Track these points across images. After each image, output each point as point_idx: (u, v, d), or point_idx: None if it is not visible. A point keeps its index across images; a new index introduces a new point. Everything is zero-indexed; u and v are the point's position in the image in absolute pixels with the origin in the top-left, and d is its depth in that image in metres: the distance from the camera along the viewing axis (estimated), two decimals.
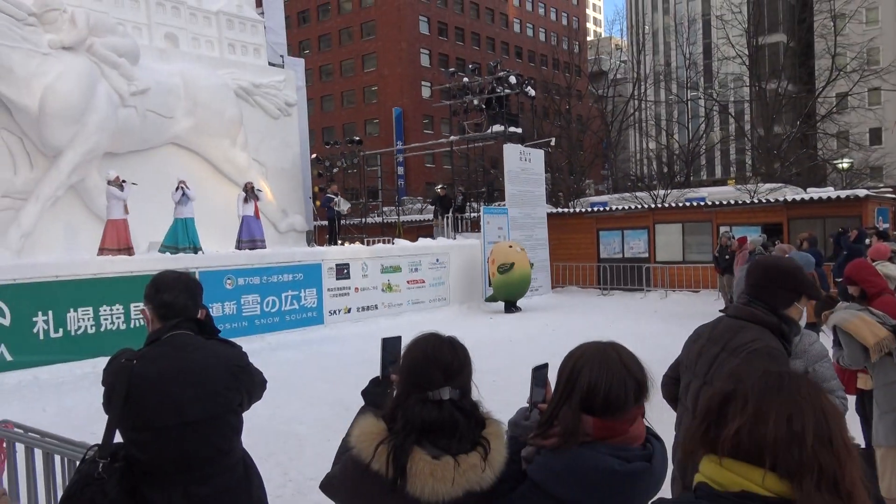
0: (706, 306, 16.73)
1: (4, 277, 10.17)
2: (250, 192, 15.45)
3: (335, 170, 27.40)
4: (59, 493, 3.37)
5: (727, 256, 15.79)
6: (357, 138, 28.45)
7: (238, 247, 14.99)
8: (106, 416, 2.38)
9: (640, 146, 46.59)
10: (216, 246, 15.23)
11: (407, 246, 17.40)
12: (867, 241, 13.62)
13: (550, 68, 51.55)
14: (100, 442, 2.34)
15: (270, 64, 20.46)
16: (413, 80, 54.49)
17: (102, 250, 12.99)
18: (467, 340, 1.99)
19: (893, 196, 21.53)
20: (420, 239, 18.71)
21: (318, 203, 22.34)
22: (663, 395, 3.05)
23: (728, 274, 15.67)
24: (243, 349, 2.66)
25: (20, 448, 3.61)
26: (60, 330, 10.62)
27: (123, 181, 13.42)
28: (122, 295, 11.32)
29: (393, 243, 18.37)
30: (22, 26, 14.19)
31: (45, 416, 7.59)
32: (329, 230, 19.41)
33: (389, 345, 2.12)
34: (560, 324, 14.48)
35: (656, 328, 13.57)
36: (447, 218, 21.05)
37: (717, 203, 20.90)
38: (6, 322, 10.06)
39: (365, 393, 2.11)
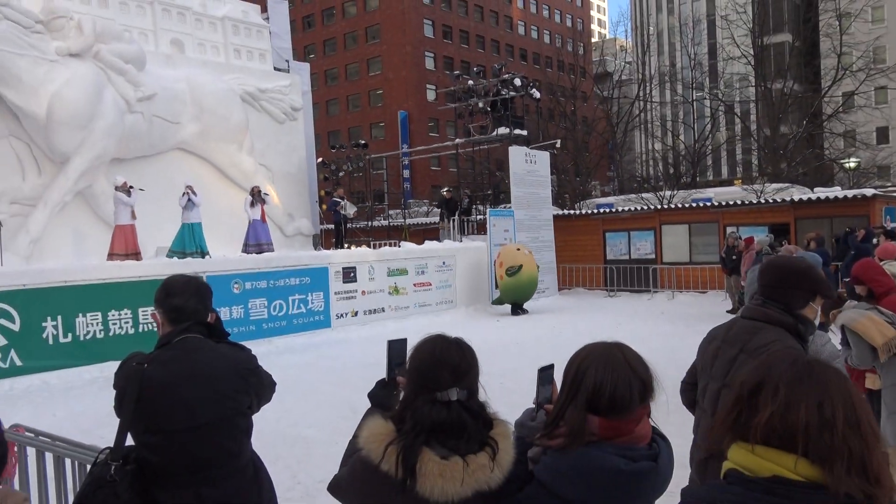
0: (713, 307, 16.70)
1: (14, 283, 10.24)
2: (257, 197, 15.51)
3: (341, 173, 27.46)
4: (70, 497, 3.40)
5: (734, 257, 15.75)
6: (363, 142, 28.50)
7: (245, 251, 15.03)
8: (117, 420, 2.41)
9: (645, 147, 46.55)
10: (223, 250, 15.29)
11: (413, 249, 17.43)
12: (875, 240, 13.57)
13: (555, 70, 51.55)
14: (111, 445, 2.37)
15: (276, 69, 20.55)
16: (418, 83, 54.56)
17: (111, 255, 13.07)
18: (474, 342, 2.00)
19: None
20: (426, 242, 18.72)
21: (324, 207, 22.38)
22: (682, 401, 3.03)
23: (735, 275, 15.63)
24: (252, 352, 2.68)
25: (31, 452, 3.64)
26: (69, 335, 10.68)
27: (131, 187, 13.49)
28: (130, 300, 11.38)
29: (399, 246, 18.40)
30: (29, 34, 14.30)
31: (55, 421, 7.63)
32: (335, 234, 19.45)
33: (395, 347, 2.13)
34: (567, 326, 14.46)
35: (663, 329, 13.55)
36: (453, 221, 21.07)
37: (724, 203, 20.84)
38: (16, 327, 10.12)
39: (371, 395, 2.13)
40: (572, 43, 54.52)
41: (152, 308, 2.63)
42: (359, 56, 57.21)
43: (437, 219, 23.78)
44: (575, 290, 21.68)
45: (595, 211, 23.81)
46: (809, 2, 46.25)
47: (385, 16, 55.26)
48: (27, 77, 14.02)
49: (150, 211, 14.44)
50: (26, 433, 3.68)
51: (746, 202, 20.48)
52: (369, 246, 20.33)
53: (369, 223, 27.74)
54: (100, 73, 15.18)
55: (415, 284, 16.57)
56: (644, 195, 29.29)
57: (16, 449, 3.63)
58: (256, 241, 15.29)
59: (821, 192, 20.35)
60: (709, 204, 21.46)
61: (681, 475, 5.56)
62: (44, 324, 10.43)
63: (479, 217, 22.17)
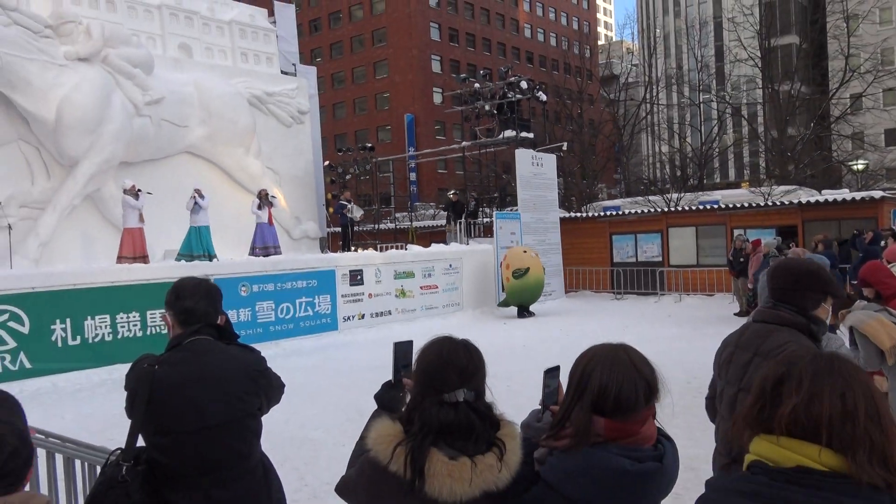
0: (721, 310, 16.67)
1: (23, 286, 10.31)
2: (264, 200, 15.56)
3: (348, 176, 27.50)
4: (80, 498, 3.43)
5: (741, 259, 15.72)
6: (369, 145, 28.55)
7: (252, 253, 15.09)
8: (125, 422, 2.43)
9: (652, 150, 46.47)
10: (231, 253, 15.35)
11: (420, 252, 17.45)
12: (883, 242, 13.51)
13: (562, 73, 51.59)
14: (121, 446, 2.39)
15: (283, 72, 20.62)
16: (424, 86, 54.63)
17: (120, 259, 13.14)
18: (481, 345, 2.01)
19: None
20: (433, 244, 18.75)
21: (331, 210, 22.43)
22: (709, 417, 3.03)
23: (743, 277, 15.60)
24: (261, 354, 2.71)
25: (41, 453, 3.66)
26: (78, 337, 10.74)
27: (139, 190, 13.55)
28: (138, 302, 11.44)
29: (406, 249, 18.43)
30: (38, 39, 14.40)
31: (64, 423, 7.68)
32: (342, 237, 19.50)
33: (401, 349, 2.15)
34: (574, 328, 14.45)
35: (670, 332, 13.53)
36: (460, 223, 21.09)
37: (731, 206, 20.79)
38: (25, 330, 10.19)
39: (378, 396, 2.14)
40: (578, 46, 54.52)
41: (162, 310, 2.66)
42: (365, 59, 57.34)
43: (443, 222, 23.79)
44: (582, 292, 21.66)
45: (602, 213, 23.79)
46: (816, 3, 46.15)
47: (391, 19, 55.39)
48: (36, 81, 14.11)
49: (158, 214, 14.51)
50: (37, 435, 3.71)
51: (754, 204, 20.42)
52: (376, 249, 20.36)
53: (376, 226, 27.76)
54: (108, 78, 15.27)
55: (421, 287, 16.59)
56: (651, 198, 29.25)
57: None
58: (263, 244, 15.34)
59: (829, 195, 20.27)
60: (716, 206, 21.40)
61: (687, 477, 5.55)
62: (53, 326, 10.50)
63: (485, 220, 22.17)
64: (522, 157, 19.78)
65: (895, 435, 1.32)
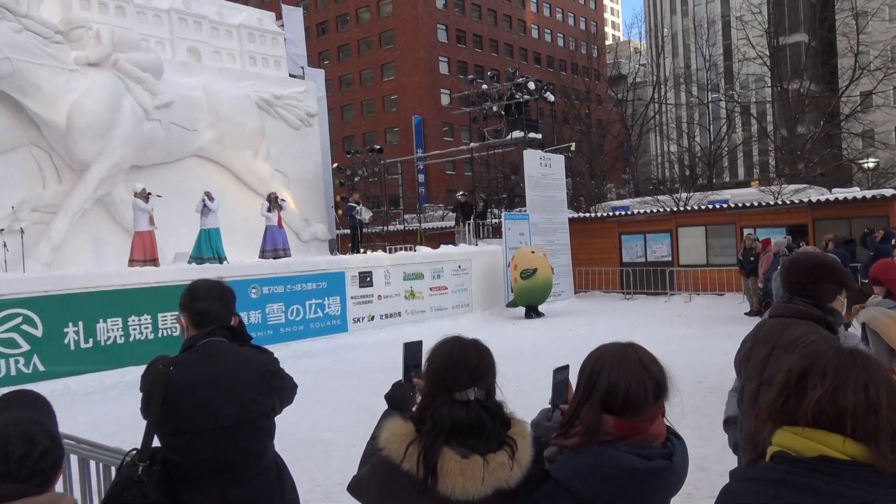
0: (731, 310, 16.60)
1: (36, 289, 10.39)
2: (273, 202, 15.62)
3: (356, 178, 27.58)
4: (95, 498, 3.46)
5: (752, 259, 15.67)
6: (377, 147, 28.63)
7: (262, 256, 15.15)
8: (137, 423, 2.46)
9: (661, 149, 46.35)
10: (241, 256, 15.43)
11: (429, 253, 17.47)
12: (894, 241, 13.45)
13: (569, 73, 51.55)
14: (136, 447, 2.42)
15: (291, 75, 20.71)
16: (432, 87, 54.69)
17: (131, 262, 13.24)
18: (491, 346, 2.02)
19: None
20: (442, 246, 18.77)
21: (340, 212, 22.51)
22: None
23: (753, 276, 15.55)
24: (274, 355, 2.73)
25: None
26: (90, 340, 10.82)
27: (149, 193, 13.65)
28: (149, 305, 11.50)
29: (415, 251, 18.45)
30: (49, 44, 14.53)
31: (77, 425, 7.73)
32: (351, 238, 19.55)
33: (411, 349, 2.17)
34: (583, 328, 14.44)
35: (680, 332, 13.49)
36: (468, 224, 21.11)
37: (741, 205, 20.72)
38: (38, 333, 10.27)
39: (388, 396, 2.16)
40: (586, 46, 54.47)
41: (173, 313, 2.70)
42: (373, 61, 57.46)
43: (452, 223, 23.82)
44: (591, 292, 21.62)
45: (610, 213, 23.74)
46: (825, 1, 45.94)
47: (399, 21, 55.48)
48: (47, 86, 14.23)
49: (168, 217, 14.60)
50: None
51: (763, 204, 20.34)
52: (385, 250, 20.41)
53: (385, 228, 27.82)
54: (118, 82, 15.38)
55: (431, 288, 16.61)
56: (660, 197, 29.17)
57: None
58: (273, 247, 15.40)
59: (839, 193, 20.18)
60: (725, 206, 21.34)
61: (697, 476, 5.55)
62: (65, 329, 10.57)
63: (494, 221, 22.19)
64: (531, 157, 19.78)
65: None
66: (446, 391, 1.85)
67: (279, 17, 21.83)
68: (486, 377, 1.91)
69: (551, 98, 23.20)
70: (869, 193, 18.77)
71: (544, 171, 20.01)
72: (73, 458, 3.61)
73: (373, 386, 7.65)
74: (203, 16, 18.68)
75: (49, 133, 14.59)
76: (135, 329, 11.33)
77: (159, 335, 11.55)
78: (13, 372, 9.94)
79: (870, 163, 35.42)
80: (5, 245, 12.94)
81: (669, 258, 20.94)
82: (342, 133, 54.95)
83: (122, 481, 2.31)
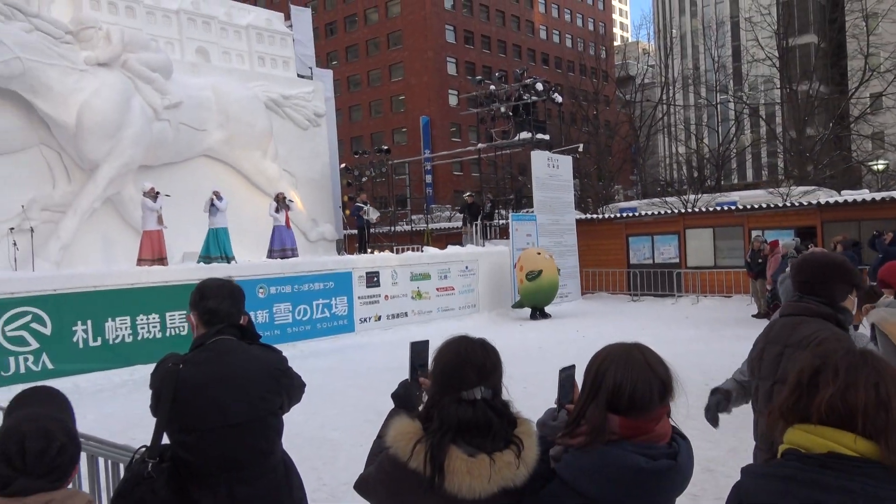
0: (739, 312, 16.56)
1: (46, 288, 10.46)
2: (281, 203, 15.67)
3: (364, 179, 27.60)
4: (103, 494, 3.49)
5: (760, 261, 15.62)
6: (385, 147, 28.63)
7: (270, 256, 15.20)
8: (146, 421, 2.48)
9: (669, 151, 46.25)
10: (249, 255, 15.48)
11: (436, 253, 17.49)
12: None
13: (577, 74, 51.43)
14: (145, 444, 2.44)
15: (299, 76, 20.75)
16: (440, 88, 54.71)
17: (140, 261, 13.30)
18: (497, 347, 2.03)
19: None
20: (449, 246, 18.79)
21: (347, 212, 22.53)
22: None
23: (761, 278, 15.50)
24: (283, 353, 2.75)
25: None
26: (99, 339, 10.88)
27: (157, 192, 13.70)
28: (158, 304, 11.56)
29: (422, 251, 18.47)
30: (59, 44, 14.61)
31: (86, 423, 7.76)
32: (359, 239, 19.58)
33: (417, 348, 2.18)
34: (590, 330, 14.41)
35: (687, 334, 13.46)
36: (476, 225, 21.11)
37: (749, 207, 20.65)
38: (47, 331, 10.34)
39: (395, 395, 2.16)
40: (594, 47, 54.37)
41: (180, 312, 2.72)
42: (381, 62, 57.53)
43: (459, 223, 23.83)
44: (598, 294, 21.60)
45: (618, 215, 23.70)
46: (835, 2, 45.76)
47: (407, 22, 55.53)
48: (57, 86, 14.32)
49: (177, 217, 14.65)
50: None
51: (772, 205, 20.27)
52: (392, 251, 20.43)
53: (392, 228, 27.84)
54: (128, 82, 15.45)
55: (438, 289, 16.62)
56: (668, 199, 29.11)
57: None
58: (281, 247, 15.45)
59: (848, 195, 20.09)
60: (733, 207, 21.27)
61: (704, 478, 5.54)
62: (74, 328, 10.64)
63: (501, 221, 22.18)
64: (538, 158, 19.78)
65: None
66: (453, 390, 1.87)
67: (288, 17, 21.89)
68: (492, 376, 1.92)
69: (559, 99, 23.17)
70: (878, 195, 18.67)
71: (552, 172, 20.01)
72: (83, 455, 3.64)
73: (379, 386, 7.67)
74: (212, 16, 18.75)
75: (59, 133, 14.67)
76: (143, 328, 11.39)
77: (167, 334, 11.61)
78: (22, 370, 10.02)
79: (879, 165, 35.24)
80: (15, 244, 13.02)
81: (677, 260, 20.90)
82: (350, 133, 55.04)
83: (132, 478, 2.33)
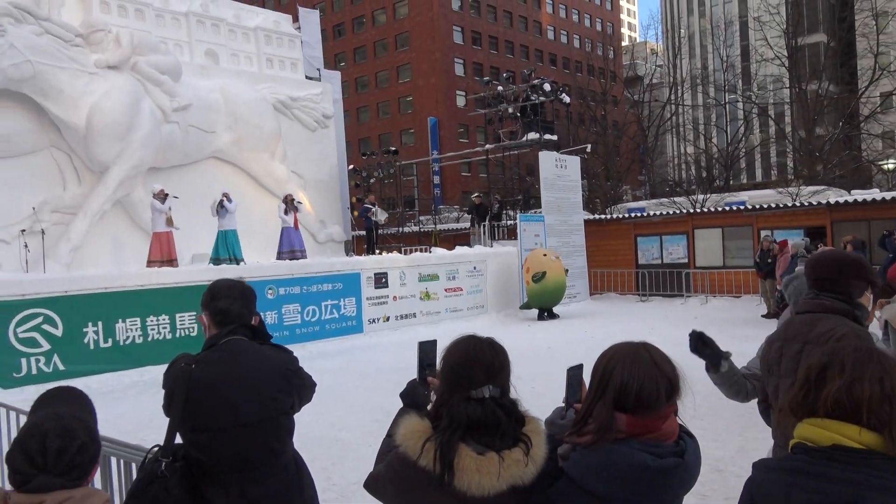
0: (748, 312, 16.51)
1: (57, 289, 10.53)
2: (290, 204, 15.72)
3: (372, 180, 27.67)
4: (116, 493, 3.52)
5: (769, 261, 15.57)
6: (393, 149, 28.71)
7: (279, 257, 15.25)
8: (157, 422, 2.50)
9: (677, 151, 46.12)
10: (258, 257, 15.53)
11: (444, 254, 17.50)
12: None
13: (585, 74, 51.39)
14: (158, 443, 2.47)
15: (307, 77, 20.83)
16: (448, 89, 54.74)
17: (150, 263, 13.37)
18: (506, 347, 2.04)
19: None
20: (457, 247, 18.79)
21: (355, 213, 22.59)
22: (765, 421, 3.04)
23: (770, 279, 15.45)
24: (294, 354, 2.78)
25: None
26: (109, 340, 10.94)
27: (166, 194, 13.77)
28: (167, 305, 11.62)
29: (430, 252, 18.49)
30: (69, 47, 14.72)
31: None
32: (367, 240, 19.62)
33: (425, 348, 2.20)
34: (598, 330, 14.40)
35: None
36: (484, 226, 21.11)
37: (758, 207, 20.58)
38: (59, 333, 10.41)
39: (403, 394, 2.18)
40: (602, 47, 54.29)
41: (190, 313, 2.75)
42: (389, 63, 57.61)
43: (467, 224, 23.84)
44: (607, 294, 21.56)
45: (626, 215, 23.66)
46: (844, 1, 45.51)
47: (414, 23, 55.58)
48: (67, 89, 14.42)
49: (186, 219, 14.72)
50: None
51: (781, 205, 20.20)
52: (400, 252, 20.45)
53: (400, 229, 27.88)
54: (137, 85, 15.55)
55: (446, 290, 16.63)
56: (676, 199, 29.04)
57: None
58: (290, 248, 15.50)
59: (858, 195, 19.99)
60: (742, 207, 21.20)
61: (713, 478, 5.53)
62: (85, 329, 10.71)
63: (509, 222, 22.18)
64: (546, 159, 19.77)
65: None
66: (462, 389, 1.89)
67: (296, 19, 21.96)
68: (501, 375, 1.93)
69: (567, 99, 23.15)
70: (888, 195, 18.57)
71: (560, 173, 19.99)
72: None
73: (388, 387, 7.69)
74: (221, 19, 18.84)
75: (69, 135, 14.77)
76: (153, 329, 11.45)
77: (177, 335, 11.66)
78: (34, 371, 10.09)
79: (889, 164, 35.06)
80: (26, 246, 13.12)
81: (686, 260, 20.84)
82: (358, 135, 55.13)
83: (145, 476, 2.36)
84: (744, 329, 13.50)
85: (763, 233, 18.59)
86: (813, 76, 37.74)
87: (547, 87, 21.94)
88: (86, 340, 10.70)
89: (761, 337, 3.00)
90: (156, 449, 2.43)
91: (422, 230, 28.32)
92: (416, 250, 20.97)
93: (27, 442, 1.79)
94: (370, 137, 56.15)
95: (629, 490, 1.75)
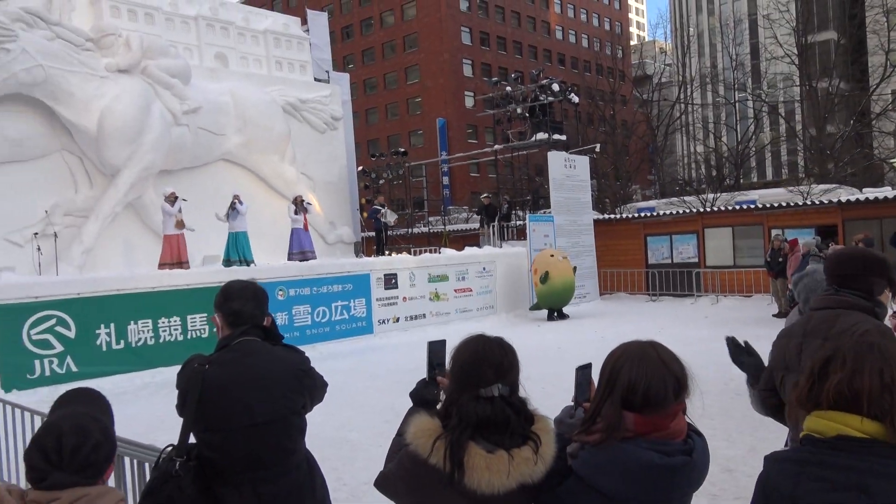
0: (759, 311, 16.43)
1: (69, 292, 10.62)
2: (299, 206, 15.78)
3: (381, 181, 27.75)
4: (129, 492, 3.56)
5: (780, 260, 15.50)
6: (402, 150, 28.78)
7: (289, 259, 15.32)
8: (169, 422, 2.54)
9: (687, 150, 45.96)
10: (268, 258, 15.60)
11: (453, 255, 17.51)
12: None
13: (594, 74, 51.31)
14: (171, 443, 2.50)
15: (316, 79, 20.89)
16: (456, 90, 54.77)
17: (161, 265, 13.44)
18: (515, 347, 2.06)
19: None
20: (466, 248, 18.80)
21: (365, 214, 22.66)
22: (766, 411, 3.02)
23: (781, 278, 15.38)
24: (305, 354, 2.80)
25: None
26: (122, 342, 11.03)
27: (177, 197, 13.85)
28: (179, 307, 11.69)
29: (440, 253, 18.50)
30: (80, 51, 14.84)
31: None
32: (376, 241, 19.67)
33: (435, 348, 2.21)
34: (608, 330, 14.36)
35: (706, 334, 13.36)
36: (493, 226, 21.12)
37: (769, 206, 20.48)
38: (71, 334, 10.49)
39: (413, 394, 2.19)
40: (611, 46, 54.15)
41: (202, 315, 2.78)
42: (397, 65, 57.70)
43: (476, 225, 23.85)
44: (616, 294, 21.52)
45: (636, 215, 23.59)
46: None
47: (422, 24, 55.64)
48: (78, 93, 14.53)
49: (197, 221, 14.80)
50: None
51: (792, 204, 20.10)
52: (410, 253, 20.49)
53: (409, 230, 27.93)
54: (147, 88, 15.65)
55: (455, 290, 16.65)
56: (686, 198, 28.93)
57: None
58: (300, 249, 15.56)
59: (870, 193, 19.86)
60: (753, 206, 21.10)
61: (723, 478, 5.52)
62: (97, 331, 10.79)
63: (518, 222, 22.18)
64: (555, 159, 19.75)
65: None
66: (471, 387, 1.90)
67: (304, 21, 22.05)
68: (510, 374, 1.95)
69: (575, 99, 23.16)
70: None
71: (569, 173, 19.97)
72: None
73: (398, 387, 7.71)
74: (230, 22, 18.93)
75: (80, 139, 14.89)
76: (165, 330, 11.53)
77: (189, 336, 11.74)
78: (47, 372, 10.18)
79: None
80: (39, 249, 13.23)
81: (696, 259, 20.77)
82: (367, 136, 55.24)
83: (160, 476, 2.39)
84: (755, 329, 13.43)
85: (774, 232, 18.50)
86: (823, 74, 37.53)
87: (555, 87, 21.95)
88: (98, 342, 10.78)
89: (773, 337, 2.99)
90: (170, 448, 2.47)
91: (431, 231, 28.36)
92: (425, 251, 20.99)
93: (44, 440, 1.83)
94: (379, 139, 56.25)
95: (637, 488, 1.77)
